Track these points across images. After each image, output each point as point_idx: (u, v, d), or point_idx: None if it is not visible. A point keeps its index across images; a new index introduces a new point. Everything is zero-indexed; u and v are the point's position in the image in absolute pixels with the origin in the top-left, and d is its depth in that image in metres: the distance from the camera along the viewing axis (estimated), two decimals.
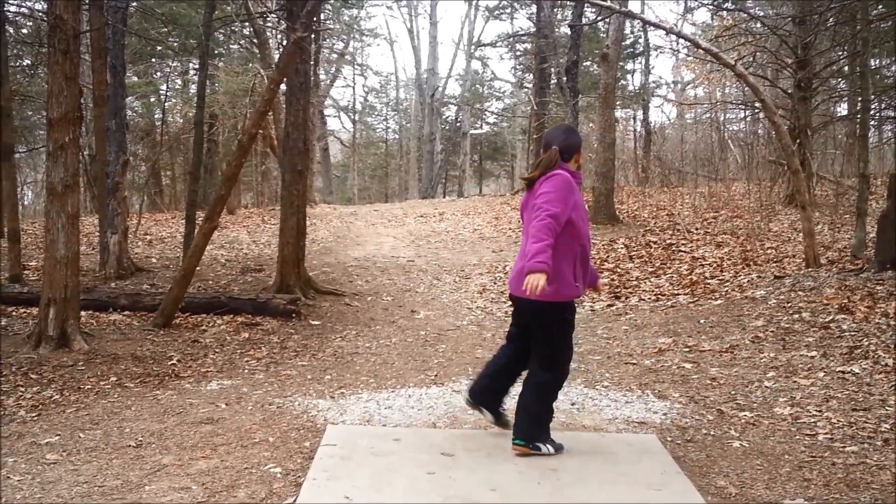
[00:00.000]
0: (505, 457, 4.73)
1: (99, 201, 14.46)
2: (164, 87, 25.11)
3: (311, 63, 19.56)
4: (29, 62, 18.48)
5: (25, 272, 12.33)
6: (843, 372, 6.64)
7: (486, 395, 5.08)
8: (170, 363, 7.72)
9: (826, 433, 5.20)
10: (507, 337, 5.15)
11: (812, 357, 7.12)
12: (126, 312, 10.04)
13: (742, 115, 28.58)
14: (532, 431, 4.73)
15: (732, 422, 5.52)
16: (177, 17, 17.52)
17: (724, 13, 22.07)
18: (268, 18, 20.22)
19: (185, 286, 9.72)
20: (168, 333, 9.06)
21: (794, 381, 6.48)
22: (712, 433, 5.28)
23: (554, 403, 4.84)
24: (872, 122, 21.59)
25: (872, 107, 18.70)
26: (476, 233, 18.16)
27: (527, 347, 4.87)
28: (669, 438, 5.18)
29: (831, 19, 15.78)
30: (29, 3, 17.29)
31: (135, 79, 22.91)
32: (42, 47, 14.56)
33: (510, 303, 5.13)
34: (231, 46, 24.39)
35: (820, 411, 5.67)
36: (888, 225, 9.85)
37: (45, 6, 10.20)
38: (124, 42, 13.30)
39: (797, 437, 5.16)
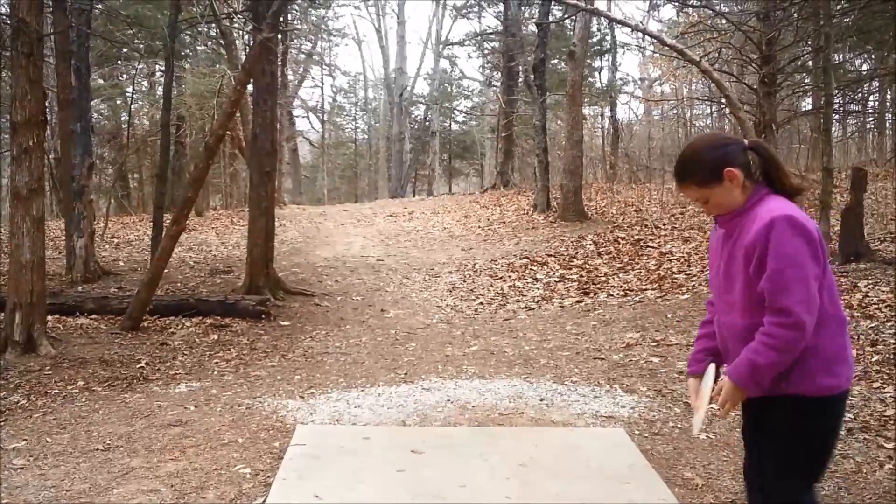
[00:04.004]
0: (474, 454, 4.76)
1: (65, 205, 14.33)
2: (130, 89, 24.88)
3: (279, 64, 19.52)
4: None
5: None
6: None
7: None
8: (138, 366, 7.67)
9: None
10: None
11: None
12: (93, 316, 9.95)
13: (708, 110, 28.85)
14: None
15: None
16: (142, 19, 17.39)
17: (690, 10, 22.23)
18: (234, 19, 20.13)
19: (153, 289, 9.66)
20: (136, 337, 8.99)
21: None
22: (679, 426, 5.34)
23: None
24: (836, 117, 21.88)
25: (836, 101, 18.96)
26: (445, 231, 18.19)
27: None
28: (637, 432, 5.23)
29: (795, 14, 15.98)
30: None
31: (100, 81, 22.72)
32: (5, 50, 14.40)
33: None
34: (198, 48, 24.25)
35: None
36: (851, 218, 10.01)
37: (8, 9, 10.11)
38: (89, 44, 13.20)
39: None
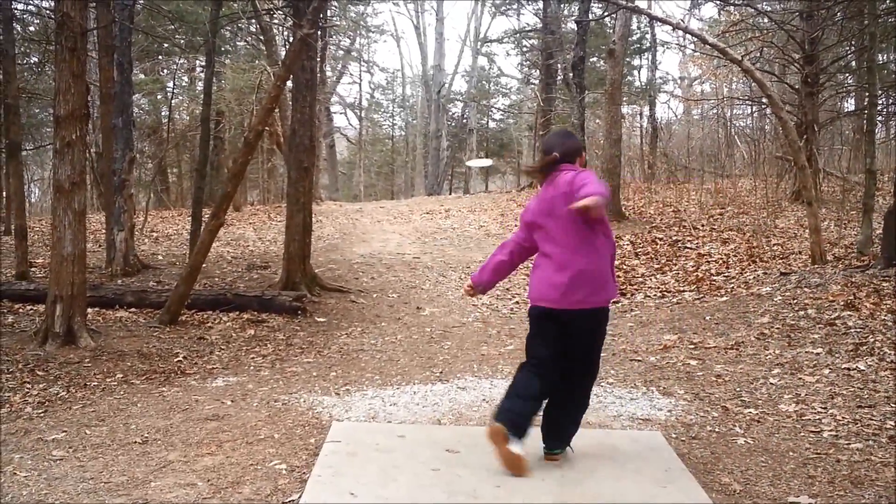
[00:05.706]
0: None
1: (105, 199, 14.51)
2: (170, 84, 25.11)
3: (318, 60, 19.58)
4: (36, 60, 18.53)
5: (32, 269, 12.37)
6: (848, 369, 6.64)
7: None
8: (176, 360, 7.74)
9: (831, 430, 5.19)
10: (540, 366, 4.42)
11: (817, 354, 7.11)
12: (132, 309, 10.07)
13: (749, 110, 28.54)
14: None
15: (737, 419, 5.52)
16: (183, 15, 17.52)
17: (732, 8, 22.00)
18: (274, 15, 20.24)
19: (191, 283, 9.74)
20: (174, 330, 9.08)
21: (800, 378, 6.48)
22: (717, 430, 5.28)
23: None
24: (880, 118, 21.55)
25: (880, 102, 18.66)
26: (482, 229, 18.15)
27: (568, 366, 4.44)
28: (674, 435, 5.18)
29: (838, 14, 15.76)
30: (36, 1, 17.35)
31: (142, 76, 22.92)
32: (49, 45, 14.59)
33: (539, 319, 4.46)
34: (238, 43, 24.39)
35: (825, 408, 5.67)
36: (894, 221, 9.84)
37: (53, 4, 10.23)
38: (131, 39, 13.31)
39: (802, 434, 5.16)
